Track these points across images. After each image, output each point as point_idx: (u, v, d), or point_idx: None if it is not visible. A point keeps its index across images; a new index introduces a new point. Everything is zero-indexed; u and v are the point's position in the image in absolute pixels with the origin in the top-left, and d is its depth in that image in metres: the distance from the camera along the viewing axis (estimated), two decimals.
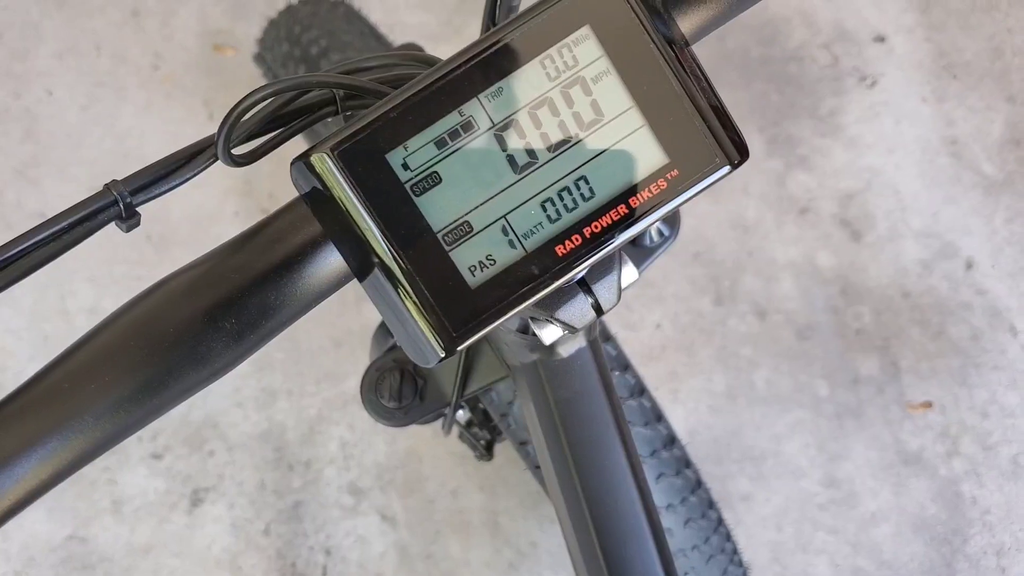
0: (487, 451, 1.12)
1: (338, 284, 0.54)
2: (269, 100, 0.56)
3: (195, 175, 0.58)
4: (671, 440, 1.07)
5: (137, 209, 0.56)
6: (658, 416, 1.07)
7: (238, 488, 1.52)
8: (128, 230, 0.57)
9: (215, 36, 1.71)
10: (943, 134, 1.68)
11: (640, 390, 1.06)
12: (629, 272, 0.61)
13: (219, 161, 0.57)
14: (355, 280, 0.53)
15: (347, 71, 0.58)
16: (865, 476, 1.53)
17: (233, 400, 1.54)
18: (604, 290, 0.60)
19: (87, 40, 1.70)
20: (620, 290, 0.60)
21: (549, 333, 0.65)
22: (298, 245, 0.52)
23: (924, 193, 1.65)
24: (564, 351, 0.74)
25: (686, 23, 0.55)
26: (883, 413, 1.55)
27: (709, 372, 1.57)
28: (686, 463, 1.09)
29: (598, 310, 0.60)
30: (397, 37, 1.62)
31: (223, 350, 0.52)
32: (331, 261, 0.53)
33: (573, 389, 0.74)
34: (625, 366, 1.05)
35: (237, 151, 0.58)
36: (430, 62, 0.60)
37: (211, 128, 1.68)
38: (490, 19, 0.76)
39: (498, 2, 0.75)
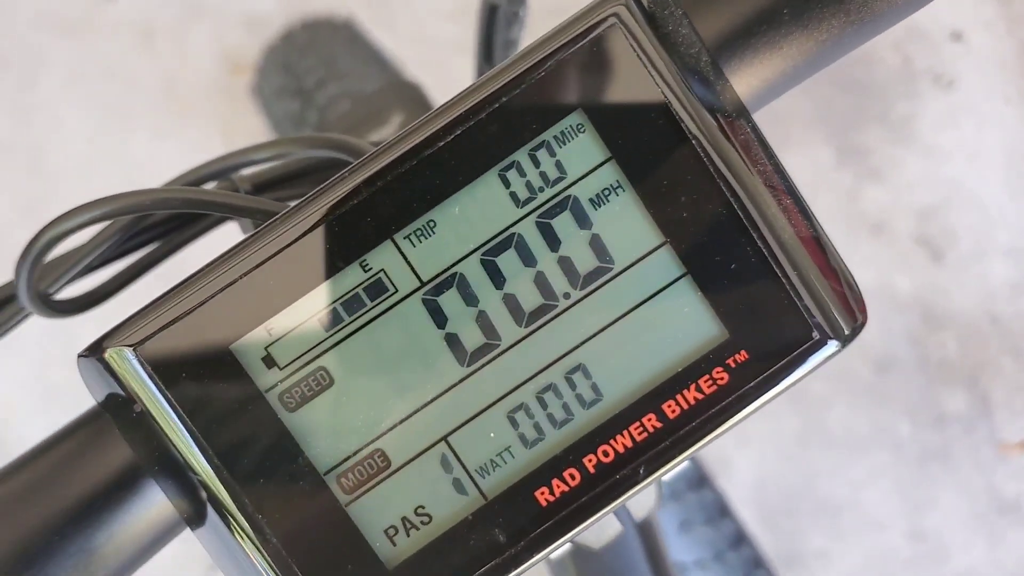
0: None
1: (177, 528, 0.32)
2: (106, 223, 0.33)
3: None
4: (739, 538, 0.87)
5: None
6: (722, 511, 0.87)
7: None
8: None
9: (232, 57, 1.59)
10: None
11: (699, 479, 0.86)
12: None
13: (32, 313, 0.35)
14: None
15: (209, 174, 0.34)
16: (955, 527, 1.36)
17: None
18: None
19: (97, 65, 1.57)
20: (661, 490, 0.36)
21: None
22: (105, 475, 0.31)
23: (1011, 205, 1.47)
24: (595, 543, 0.50)
25: (746, 83, 0.31)
26: (973, 455, 1.38)
27: (778, 413, 1.42)
28: (756, 563, 0.88)
29: (627, 518, 0.36)
30: (420, 51, 1.47)
31: None
32: (159, 497, 0.31)
33: (604, 571, 0.50)
34: None
35: (64, 295, 0.35)
36: (353, 151, 0.36)
37: None
38: (485, 60, 0.54)
39: (493, 37, 0.52)
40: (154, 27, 1.57)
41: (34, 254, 0.33)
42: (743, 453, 1.41)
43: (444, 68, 1.47)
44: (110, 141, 1.52)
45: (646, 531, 0.49)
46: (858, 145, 1.54)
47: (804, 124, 1.54)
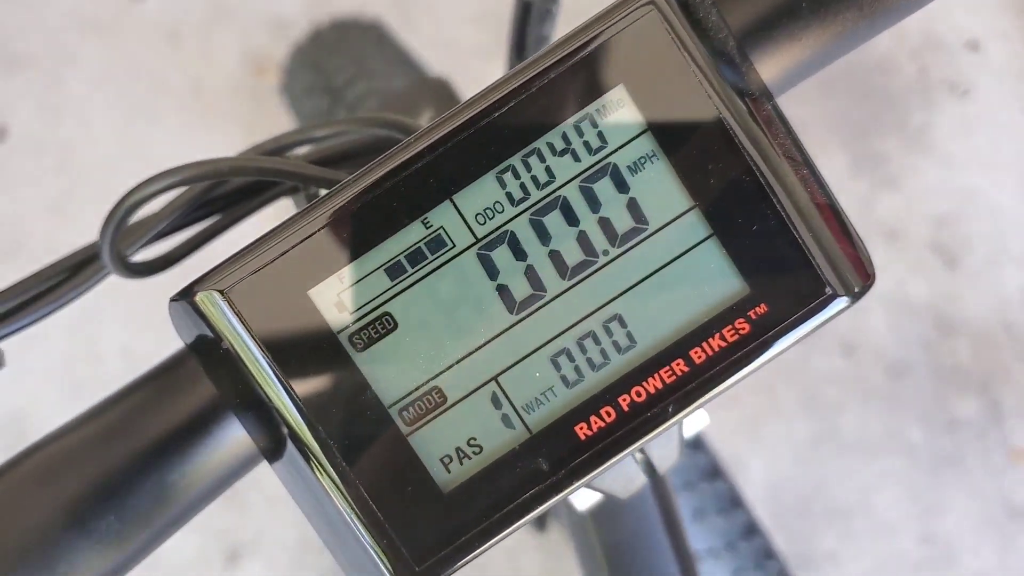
0: (539, 523, 0.95)
1: (255, 459, 0.36)
2: (181, 189, 0.37)
3: (79, 295, 0.39)
4: (751, 529, 0.88)
5: None
6: (735, 501, 0.88)
7: (278, 544, 1.38)
8: None
9: (257, 58, 1.59)
10: None
11: (713, 470, 0.87)
12: (697, 415, 0.40)
13: (111, 272, 0.38)
14: None
15: (278, 148, 0.38)
16: (965, 532, 1.37)
17: None
18: (659, 445, 0.39)
19: (124, 65, 1.59)
20: (682, 442, 0.40)
21: (583, 499, 0.45)
22: (189, 413, 0.35)
23: None
24: (622, 492, 0.53)
25: (769, 68, 0.34)
26: (984, 460, 1.39)
27: (791, 416, 1.43)
28: (767, 554, 0.90)
29: (651, 471, 0.40)
30: (440, 55, 1.48)
31: (97, 559, 0.33)
32: (240, 431, 0.35)
33: (626, 532, 0.54)
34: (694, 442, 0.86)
35: (139, 257, 0.39)
36: (404, 130, 0.40)
37: None
38: (517, 55, 0.57)
39: (526, 30, 0.56)
40: (180, 28, 1.59)
41: (119, 216, 0.37)
42: (756, 454, 1.41)
43: (464, 71, 1.48)
44: (136, 139, 1.54)
45: (661, 488, 0.52)
46: (874, 153, 1.54)
47: (821, 131, 1.54)
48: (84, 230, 1.47)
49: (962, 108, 1.56)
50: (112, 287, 0.43)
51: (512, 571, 1.37)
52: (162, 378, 0.35)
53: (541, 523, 0.96)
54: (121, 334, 1.45)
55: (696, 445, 0.89)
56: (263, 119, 1.54)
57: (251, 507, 1.39)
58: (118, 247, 0.38)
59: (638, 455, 0.41)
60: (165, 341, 1.52)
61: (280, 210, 0.54)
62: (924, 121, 1.56)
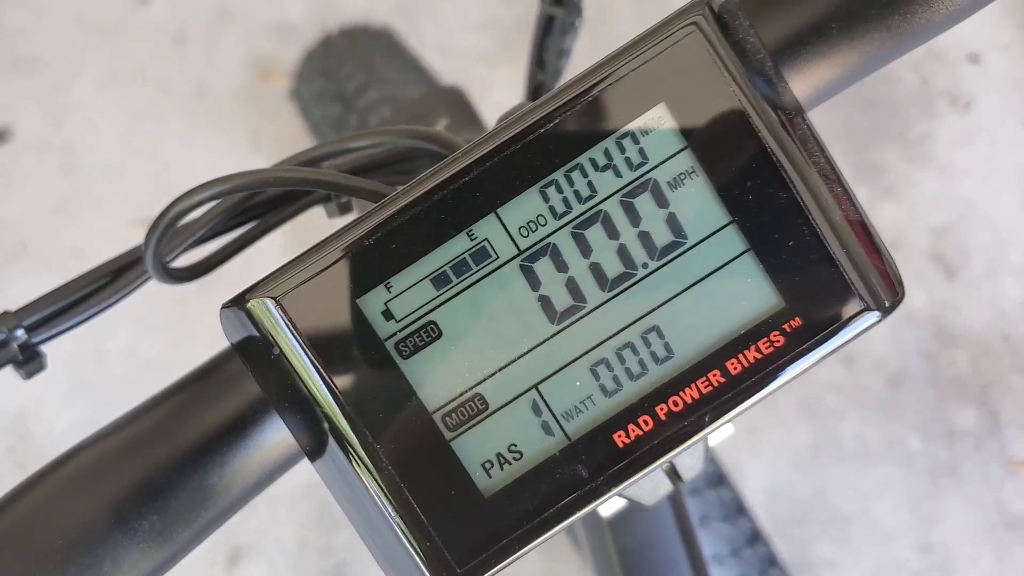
0: None
1: (295, 459, 0.37)
2: (216, 200, 0.38)
3: (121, 298, 0.40)
4: (755, 536, 0.89)
5: (40, 349, 0.39)
6: (739, 509, 0.89)
7: (279, 546, 1.38)
8: (28, 376, 0.39)
9: (262, 63, 1.59)
10: None
11: (718, 478, 0.88)
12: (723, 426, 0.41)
13: (152, 277, 0.39)
14: None
15: (315, 158, 0.39)
16: (963, 540, 1.37)
17: None
18: (686, 454, 0.40)
19: (129, 68, 1.59)
20: (707, 452, 0.41)
21: (608, 505, 0.46)
22: (232, 413, 0.36)
23: None
24: (648, 499, 0.54)
25: (799, 86, 0.35)
26: (982, 470, 1.39)
27: (791, 424, 1.42)
28: (771, 561, 0.91)
29: (675, 478, 0.41)
30: (449, 62, 1.49)
31: (140, 559, 0.34)
32: (280, 432, 0.36)
33: (642, 539, 0.55)
34: None
35: (179, 263, 0.40)
36: (444, 144, 0.41)
37: (256, 160, 1.55)
38: (538, 66, 0.58)
39: (547, 45, 0.56)
40: (186, 33, 1.59)
41: (164, 224, 0.37)
42: (756, 461, 1.42)
43: (469, 78, 1.49)
44: (141, 143, 1.54)
45: (680, 495, 0.53)
46: (875, 162, 1.55)
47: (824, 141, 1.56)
48: (89, 231, 1.48)
49: (962, 119, 1.57)
50: None
51: (512, 573, 1.38)
52: (206, 379, 0.36)
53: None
54: (127, 336, 1.45)
55: (708, 458, 0.90)
56: (267, 124, 1.55)
57: (252, 509, 1.38)
58: (160, 253, 0.39)
59: (665, 464, 0.42)
60: (170, 343, 1.53)
61: (307, 217, 0.55)
62: (925, 132, 1.56)
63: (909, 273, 1.48)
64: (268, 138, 1.53)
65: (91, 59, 1.58)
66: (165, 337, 1.44)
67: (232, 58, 1.59)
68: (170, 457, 0.35)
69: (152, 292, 1.30)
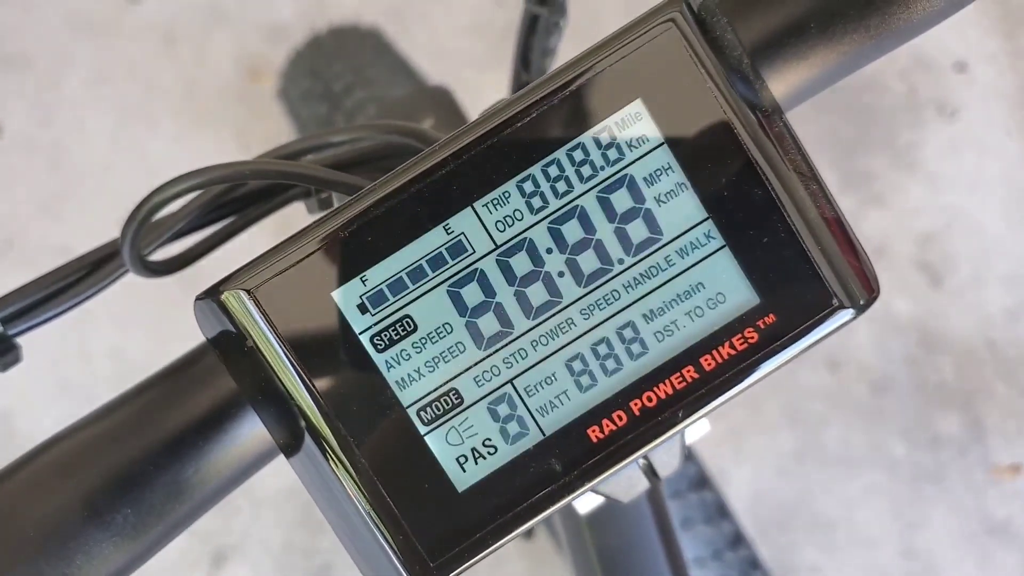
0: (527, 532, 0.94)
1: (271, 454, 0.37)
2: (196, 192, 0.38)
3: (98, 291, 0.40)
4: (737, 539, 0.89)
5: (16, 341, 0.39)
6: (722, 511, 0.89)
7: (263, 547, 1.38)
8: (4, 369, 0.39)
9: (252, 63, 1.59)
10: None
11: (700, 480, 0.88)
12: (699, 423, 0.41)
13: (129, 270, 0.39)
14: None
15: (295, 152, 0.39)
16: (946, 547, 1.38)
17: None
18: (662, 451, 0.40)
19: (119, 67, 1.58)
20: (684, 449, 0.41)
21: (585, 502, 0.46)
22: (207, 407, 0.36)
23: (1009, 234, 1.49)
24: (624, 496, 0.54)
25: (778, 85, 0.35)
26: (966, 477, 1.40)
27: (775, 429, 1.42)
28: (753, 564, 0.91)
29: (652, 476, 0.41)
30: (438, 64, 1.48)
31: (113, 552, 0.34)
32: (256, 427, 0.36)
33: (621, 537, 0.55)
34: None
35: (157, 256, 0.40)
36: (424, 139, 0.41)
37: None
38: (523, 66, 0.58)
39: (531, 44, 0.56)
40: (176, 32, 1.59)
41: (141, 216, 0.37)
42: (740, 466, 1.41)
43: (457, 80, 1.49)
44: (129, 141, 1.54)
45: (657, 493, 0.53)
46: (862, 170, 1.54)
47: (810, 148, 1.53)
48: (76, 230, 1.47)
49: (949, 129, 1.56)
50: None
51: (496, 574, 1.37)
52: (181, 372, 0.36)
53: (529, 530, 0.96)
54: (111, 335, 1.44)
55: (685, 455, 0.90)
56: (256, 124, 1.54)
57: (237, 510, 1.38)
58: (138, 246, 0.39)
59: (641, 460, 0.42)
60: (154, 342, 1.52)
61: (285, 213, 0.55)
62: (911, 140, 1.56)
63: (895, 280, 1.48)
64: (256, 138, 1.53)
65: (81, 57, 1.58)
66: (148, 336, 1.44)
67: (222, 58, 1.58)
68: (144, 450, 0.35)
69: (137, 292, 1.29)
